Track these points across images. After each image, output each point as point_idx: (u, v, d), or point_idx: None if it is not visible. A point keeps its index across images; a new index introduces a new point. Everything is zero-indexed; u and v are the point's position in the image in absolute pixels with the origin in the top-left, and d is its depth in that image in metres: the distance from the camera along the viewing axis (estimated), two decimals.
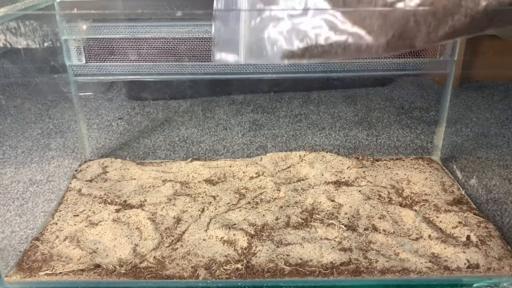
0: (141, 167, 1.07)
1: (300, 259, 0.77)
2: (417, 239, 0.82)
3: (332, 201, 0.92)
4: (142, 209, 0.91)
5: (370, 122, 1.36)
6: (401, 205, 0.91)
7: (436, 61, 1.07)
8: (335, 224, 0.85)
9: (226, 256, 0.78)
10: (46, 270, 0.75)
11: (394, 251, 0.79)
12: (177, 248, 0.80)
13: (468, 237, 0.81)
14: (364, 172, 1.04)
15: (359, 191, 0.95)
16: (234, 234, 0.82)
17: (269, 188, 0.98)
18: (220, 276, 0.73)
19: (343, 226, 0.85)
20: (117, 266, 0.75)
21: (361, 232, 0.83)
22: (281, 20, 0.58)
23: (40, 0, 0.82)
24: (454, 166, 1.07)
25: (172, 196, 0.95)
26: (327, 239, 0.82)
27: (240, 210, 0.90)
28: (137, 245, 0.81)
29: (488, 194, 0.98)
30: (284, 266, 0.75)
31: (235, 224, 0.86)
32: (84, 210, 0.91)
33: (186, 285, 0.73)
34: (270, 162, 1.09)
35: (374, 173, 1.03)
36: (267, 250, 0.78)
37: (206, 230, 0.84)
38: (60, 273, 0.74)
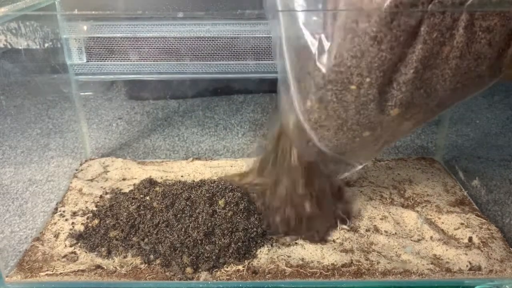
0: (142, 166, 1.07)
1: (302, 260, 0.77)
2: (419, 240, 0.81)
3: None
4: None
5: None
6: (403, 206, 0.91)
7: None
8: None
9: None
10: (47, 270, 0.74)
11: (396, 252, 0.79)
12: None
13: (470, 239, 0.81)
14: (365, 172, 1.03)
15: (361, 191, 0.95)
16: None
17: None
18: (220, 278, 0.73)
19: (344, 227, 0.84)
20: (117, 267, 0.75)
21: (362, 233, 0.83)
22: None
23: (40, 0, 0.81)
24: (456, 167, 1.07)
25: None
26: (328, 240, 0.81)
27: None
28: None
29: (490, 194, 0.98)
30: (285, 268, 0.75)
31: None
32: (85, 209, 0.91)
33: (187, 286, 0.73)
34: None
35: (376, 173, 1.03)
36: (268, 251, 0.78)
37: None
38: (61, 273, 0.74)
